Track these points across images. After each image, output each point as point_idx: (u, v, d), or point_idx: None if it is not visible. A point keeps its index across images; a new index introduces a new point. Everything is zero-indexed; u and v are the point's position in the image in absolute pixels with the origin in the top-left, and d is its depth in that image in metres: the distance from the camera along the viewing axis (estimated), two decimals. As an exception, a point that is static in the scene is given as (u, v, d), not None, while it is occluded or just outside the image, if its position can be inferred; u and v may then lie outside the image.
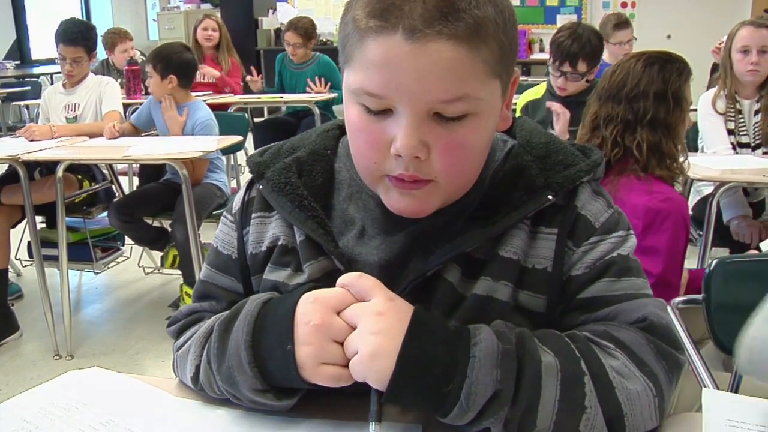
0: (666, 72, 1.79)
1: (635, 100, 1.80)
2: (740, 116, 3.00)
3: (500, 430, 0.75)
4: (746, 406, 0.85)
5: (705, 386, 1.32)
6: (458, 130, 0.79)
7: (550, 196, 0.86)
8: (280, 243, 0.93)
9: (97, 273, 3.65)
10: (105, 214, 3.56)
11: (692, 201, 2.86)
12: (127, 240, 3.79)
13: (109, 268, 3.72)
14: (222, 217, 1.03)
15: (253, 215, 0.97)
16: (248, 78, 5.55)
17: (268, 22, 9.21)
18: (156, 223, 3.54)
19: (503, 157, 0.92)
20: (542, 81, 3.37)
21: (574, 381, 0.76)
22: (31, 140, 3.40)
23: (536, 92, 3.27)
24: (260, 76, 5.62)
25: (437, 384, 0.74)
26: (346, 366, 0.77)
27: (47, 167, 3.32)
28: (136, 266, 3.86)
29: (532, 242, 0.87)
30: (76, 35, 3.60)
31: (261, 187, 0.95)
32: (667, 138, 1.78)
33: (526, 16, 8.64)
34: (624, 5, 8.43)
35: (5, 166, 3.35)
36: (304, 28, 5.31)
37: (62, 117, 3.69)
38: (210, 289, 1.01)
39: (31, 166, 3.30)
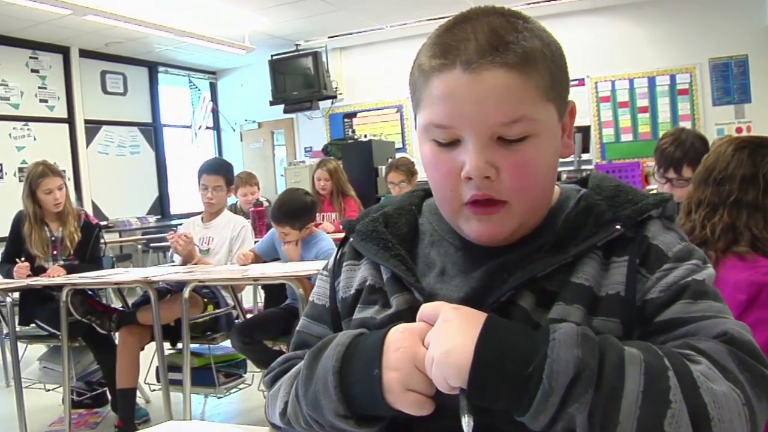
0: (757, 155, 1.76)
1: (722, 183, 1.78)
2: None
3: (585, 423, 0.73)
4: None
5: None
6: (521, 149, 0.86)
7: (618, 226, 0.89)
8: (368, 284, 0.99)
9: (220, 397, 3.75)
10: (229, 341, 3.72)
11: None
12: (249, 368, 3.90)
13: (230, 393, 3.82)
14: (318, 274, 1.11)
15: (344, 264, 1.05)
16: None
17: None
18: (275, 347, 3.64)
19: (575, 202, 0.97)
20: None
21: (658, 373, 0.73)
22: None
23: None
24: None
25: (518, 369, 0.74)
26: (430, 396, 0.81)
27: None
28: (258, 394, 3.94)
29: (604, 272, 0.88)
30: (218, 166, 4.05)
31: (351, 239, 1.04)
32: (756, 220, 1.72)
33: (639, 150, 8.60)
34: (739, 130, 8.30)
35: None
36: (406, 165, 5.50)
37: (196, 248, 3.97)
38: (304, 338, 1.07)
39: (162, 291, 3.55)
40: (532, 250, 0.91)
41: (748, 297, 1.59)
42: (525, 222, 0.92)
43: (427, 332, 0.83)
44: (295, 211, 3.66)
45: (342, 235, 1.12)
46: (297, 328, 1.10)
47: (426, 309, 0.85)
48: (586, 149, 8.54)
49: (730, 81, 8.53)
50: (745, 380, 0.76)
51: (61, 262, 3.92)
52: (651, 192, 1.02)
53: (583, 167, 8.31)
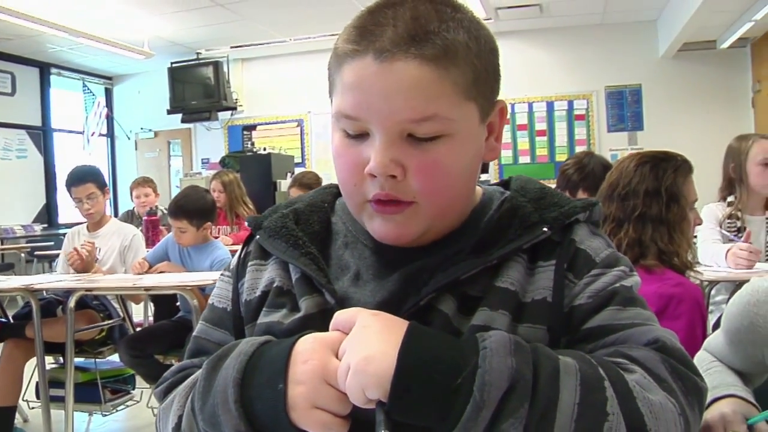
0: (659, 170, 1.79)
1: (626, 198, 1.80)
2: (740, 235, 2.89)
3: None
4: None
5: None
6: (431, 149, 0.80)
7: (545, 228, 0.85)
8: (275, 285, 0.91)
9: (105, 415, 3.54)
10: (117, 354, 3.51)
11: (712, 320, 2.74)
12: (138, 384, 3.70)
13: (117, 410, 3.61)
14: (220, 276, 1.01)
15: (249, 264, 0.96)
16: None
17: (285, 185, 9.47)
18: (167, 362, 3.46)
19: (499, 204, 0.92)
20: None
21: (594, 383, 0.69)
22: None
23: None
24: None
25: (445, 379, 0.68)
26: (340, 417, 0.73)
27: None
28: (147, 411, 3.73)
29: (530, 277, 0.84)
30: (83, 174, 3.77)
31: (258, 236, 0.95)
32: (661, 233, 1.75)
33: (537, 172, 8.83)
34: (632, 155, 8.63)
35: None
36: (308, 182, 5.29)
37: None
38: (202, 344, 0.98)
39: (52, 303, 3.32)
40: (453, 253, 0.85)
41: (657, 309, 1.60)
42: (436, 224, 0.86)
43: (340, 343, 0.75)
44: (194, 206, 3.56)
45: (239, 248, 1.02)
46: (194, 333, 1.00)
47: (341, 316, 0.78)
48: (485, 170, 8.70)
49: (625, 109, 8.90)
50: (678, 389, 0.74)
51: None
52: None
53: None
